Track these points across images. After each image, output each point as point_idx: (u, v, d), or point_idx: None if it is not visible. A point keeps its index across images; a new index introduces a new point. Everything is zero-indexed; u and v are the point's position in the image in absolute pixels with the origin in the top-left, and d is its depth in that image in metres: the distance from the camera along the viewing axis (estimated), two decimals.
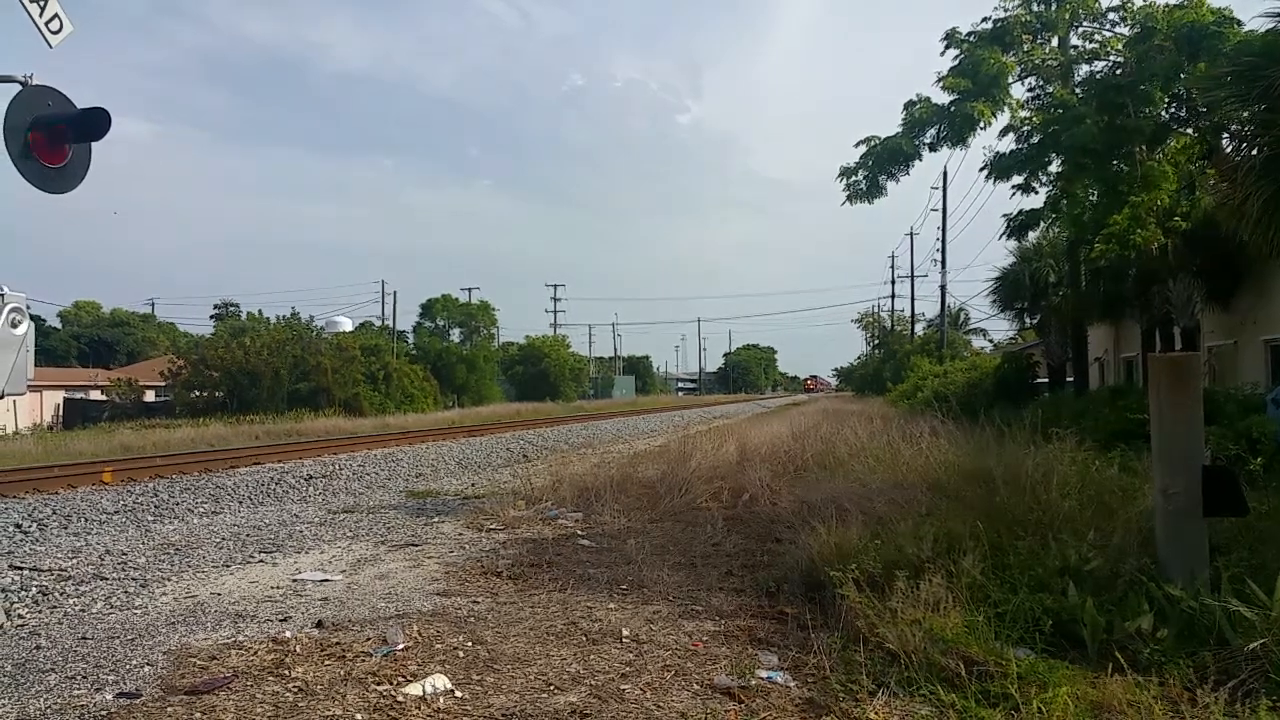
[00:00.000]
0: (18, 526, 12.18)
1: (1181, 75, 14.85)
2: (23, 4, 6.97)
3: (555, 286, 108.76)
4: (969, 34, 17.13)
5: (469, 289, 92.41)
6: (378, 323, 78.92)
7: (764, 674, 5.36)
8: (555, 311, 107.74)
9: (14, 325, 7.08)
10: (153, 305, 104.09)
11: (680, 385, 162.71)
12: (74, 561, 9.66)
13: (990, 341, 64.24)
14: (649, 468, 15.60)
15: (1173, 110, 16.41)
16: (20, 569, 9.20)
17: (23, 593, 8.13)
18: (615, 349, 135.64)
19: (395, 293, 75.66)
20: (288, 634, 6.39)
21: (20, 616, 7.39)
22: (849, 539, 7.34)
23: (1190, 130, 16.64)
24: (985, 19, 17.23)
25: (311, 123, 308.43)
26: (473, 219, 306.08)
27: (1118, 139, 15.12)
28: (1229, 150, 15.56)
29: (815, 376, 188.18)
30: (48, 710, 4.96)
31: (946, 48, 17.18)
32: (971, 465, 9.49)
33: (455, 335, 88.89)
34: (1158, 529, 6.45)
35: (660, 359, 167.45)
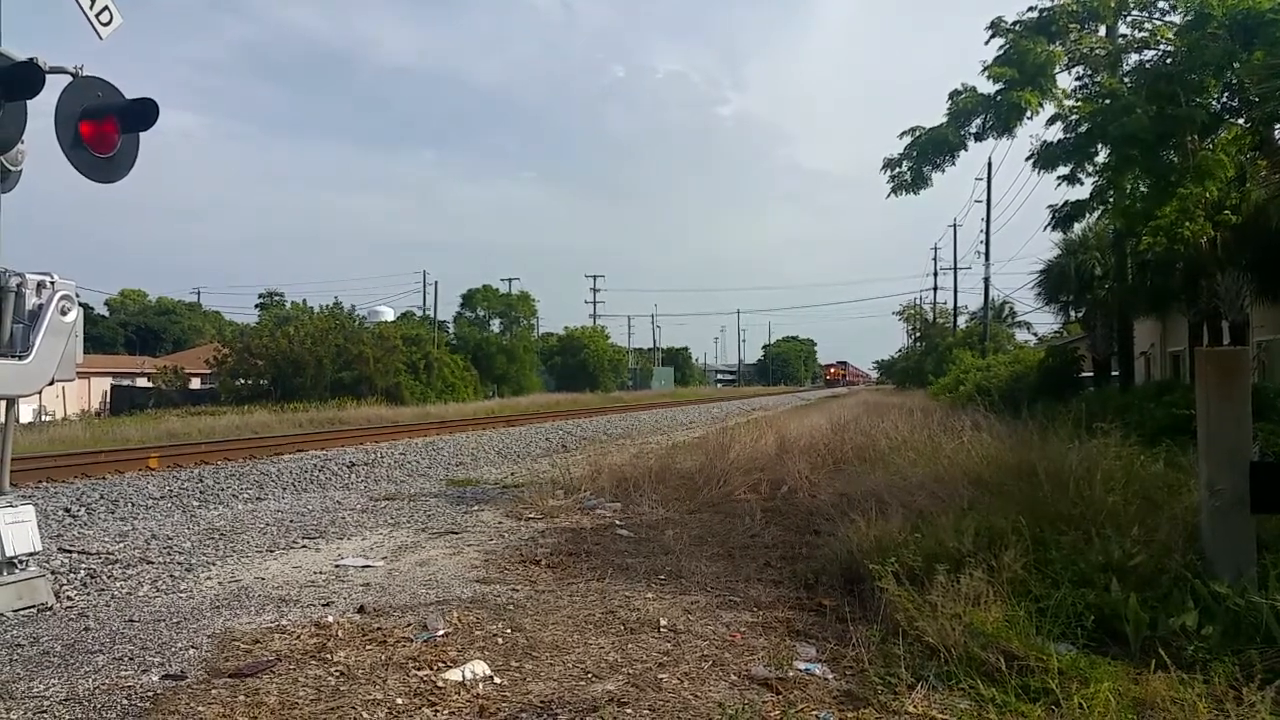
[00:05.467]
0: (66, 510, 12.42)
1: (1235, 64, 14.55)
2: None
3: (595, 277, 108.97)
4: (1014, 23, 16.87)
5: (509, 280, 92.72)
6: (419, 313, 79.59)
7: (802, 665, 5.35)
8: (595, 302, 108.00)
9: (63, 313, 7.21)
10: (198, 294, 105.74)
11: (719, 377, 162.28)
12: (121, 545, 9.83)
13: (1034, 335, 63.44)
14: (687, 459, 15.58)
15: (1224, 100, 16.08)
16: (69, 552, 9.38)
17: (72, 575, 8.29)
18: (654, 340, 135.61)
19: (436, 283, 76.52)
20: (330, 619, 6.46)
21: (69, 598, 7.53)
22: (888, 532, 7.30)
23: (1241, 121, 16.30)
24: (1031, 8, 16.96)
25: (357, 116, 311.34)
26: (514, 211, 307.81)
27: (1168, 129, 14.83)
28: None
29: (844, 364, 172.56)
30: (96, 690, 5.06)
31: (992, 37, 16.92)
32: (1014, 459, 9.40)
33: (495, 325, 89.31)
34: (1204, 525, 6.35)
35: (699, 351, 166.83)
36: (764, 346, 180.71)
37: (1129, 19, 17.30)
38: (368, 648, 5.76)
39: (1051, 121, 17.47)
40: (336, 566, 8.64)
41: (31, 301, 7.06)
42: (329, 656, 5.56)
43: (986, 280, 52.92)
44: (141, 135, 7.59)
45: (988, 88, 16.55)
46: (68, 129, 7.08)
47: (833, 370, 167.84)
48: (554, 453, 22.62)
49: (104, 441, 23.92)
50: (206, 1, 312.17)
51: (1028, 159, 17.88)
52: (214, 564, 8.92)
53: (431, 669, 5.31)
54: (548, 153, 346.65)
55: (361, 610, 6.76)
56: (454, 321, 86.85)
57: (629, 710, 4.70)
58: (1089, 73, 17.47)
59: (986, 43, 16.95)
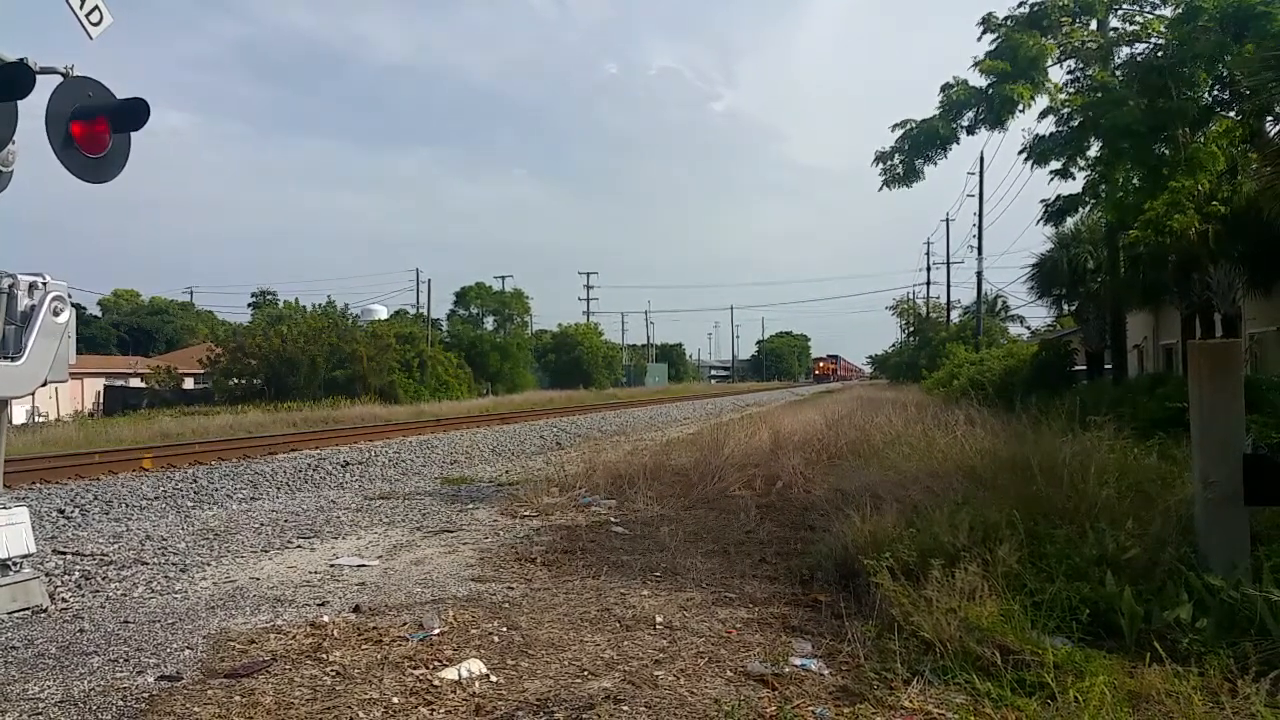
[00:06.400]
0: (61, 512, 12.39)
1: (1226, 57, 14.58)
2: None
3: (588, 274, 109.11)
4: (1006, 17, 16.91)
5: (503, 277, 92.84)
6: (413, 311, 79.50)
7: (798, 661, 5.35)
8: (588, 299, 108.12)
9: (56, 313, 7.19)
10: (191, 293, 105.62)
11: (713, 373, 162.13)
12: (115, 546, 9.82)
13: (1027, 329, 63.47)
14: (682, 455, 15.59)
15: (1215, 93, 16.12)
16: (64, 553, 9.36)
17: (66, 577, 8.27)
18: (648, 337, 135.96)
19: (430, 281, 76.33)
20: (325, 618, 6.45)
21: (64, 600, 7.52)
22: (883, 527, 7.31)
23: (1232, 113, 16.34)
24: (1023, 2, 17.01)
25: (350, 114, 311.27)
26: (507, 208, 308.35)
27: (1159, 121, 14.87)
28: (1273, 134, 15.26)
29: (835, 358, 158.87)
30: (91, 691, 5.05)
31: (984, 31, 16.96)
32: (1008, 453, 9.40)
33: (489, 323, 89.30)
34: (1197, 518, 6.37)
35: (693, 347, 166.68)
36: (758, 342, 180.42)
37: (1120, 12, 17.36)
38: (363, 647, 5.76)
39: (1043, 115, 17.54)
40: (331, 566, 8.64)
41: (23, 303, 7.03)
42: (325, 656, 5.55)
43: (979, 274, 53.10)
44: (133, 135, 7.57)
45: (980, 81, 16.59)
46: (58, 129, 7.05)
47: (822, 364, 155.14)
48: (548, 450, 22.61)
49: (97, 442, 23.85)
50: (201, 1, 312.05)
51: (1020, 153, 17.95)
52: (209, 564, 8.91)
53: (427, 668, 5.30)
54: (541, 150, 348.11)
55: (357, 610, 6.76)
56: (448, 319, 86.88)
57: (625, 708, 4.70)
58: (1080, 66, 17.52)
59: (979, 38, 17.01)
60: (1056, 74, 17.19)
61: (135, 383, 54.75)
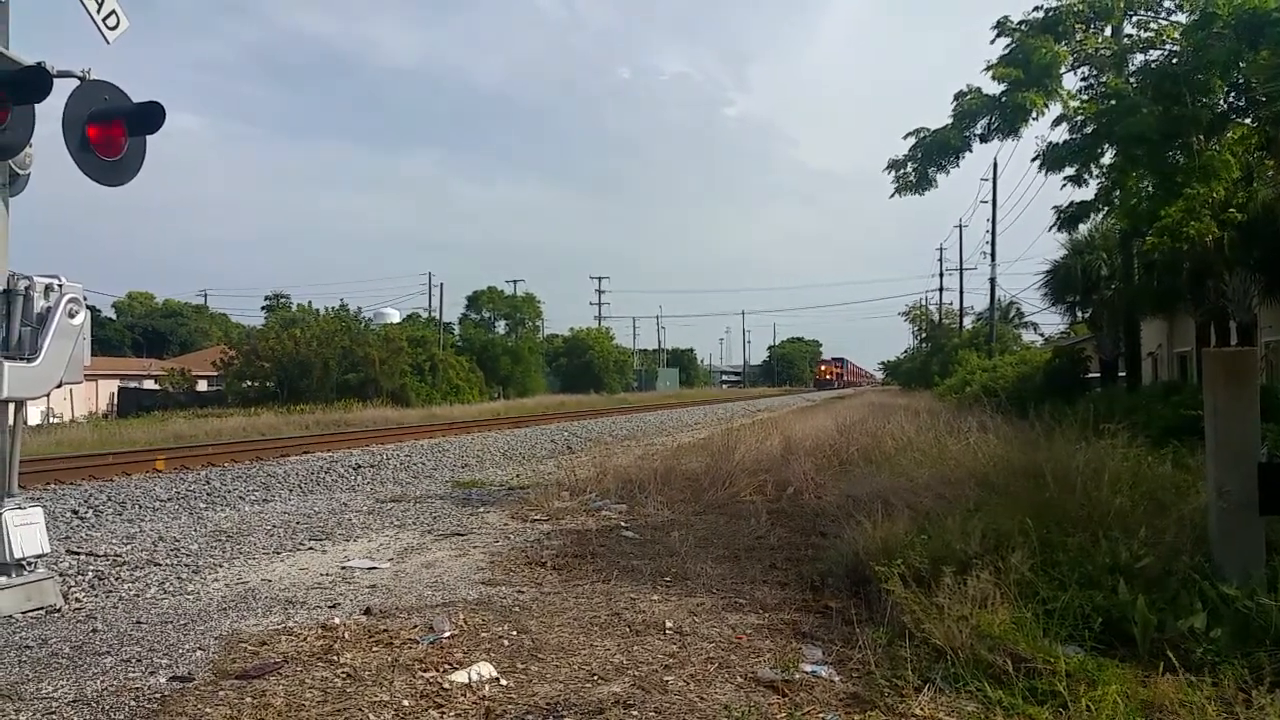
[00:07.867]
0: (74, 512, 12.44)
1: (1241, 64, 14.51)
2: (81, 0, 7.12)
3: (599, 279, 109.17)
4: (1020, 23, 16.86)
5: (514, 281, 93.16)
6: (425, 314, 79.61)
7: (808, 668, 5.34)
8: (600, 304, 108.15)
9: (71, 315, 7.23)
10: (205, 296, 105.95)
11: (724, 378, 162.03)
12: (128, 547, 9.85)
13: (1041, 336, 63.27)
14: (693, 460, 15.57)
15: (1230, 100, 16.05)
16: (77, 554, 9.40)
17: (80, 577, 8.30)
18: (659, 341, 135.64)
19: (442, 285, 76.36)
20: (336, 621, 6.46)
21: (77, 600, 7.55)
22: (895, 533, 7.28)
23: (1248, 120, 16.27)
24: (1037, 8, 16.96)
25: (361, 117, 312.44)
26: (519, 212, 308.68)
27: (1174, 128, 14.80)
28: None
29: (841, 361, 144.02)
30: (104, 691, 5.06)
31: (997, 36, 16.92)
32: (1020, 461, 9.36)
33: (501, 327, 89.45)
34: (1212, 527, 6.33)
35: (704, 352, 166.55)
36: (769, 347, 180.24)
37: (1135, 19, 17.28)
38: (374, 649, 5.76)
39: (1057, 123, 17.51)
40: (343, 568, 8.65)
41: (39, 304, 7.08)
42: (335, 658, 5.56)
43: (992, 281, 52.96)
44: (148, 138, 7.62)
45: (992, 88, 16.56)
46: (75, 132, 7.12)
47: (825, 368, 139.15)
48: (559, 454, 22.61)
49: (111, 443, 23.96)
50: (214, 5, 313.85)
51: (1034, 160, 17.91)
52: (221, 566, 8.93)
53: (438, 671, 5.31)
54: (553, 154, 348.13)
55: (368, 612, 6.77)
56: (459, 323, 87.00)
57: (635, 712, 4.70)
58: (1094, 73, 17.48)
59: (992, 42, 16.98)
60: (1070, 81, 17.16)
61: (149, 385, 55.04)
